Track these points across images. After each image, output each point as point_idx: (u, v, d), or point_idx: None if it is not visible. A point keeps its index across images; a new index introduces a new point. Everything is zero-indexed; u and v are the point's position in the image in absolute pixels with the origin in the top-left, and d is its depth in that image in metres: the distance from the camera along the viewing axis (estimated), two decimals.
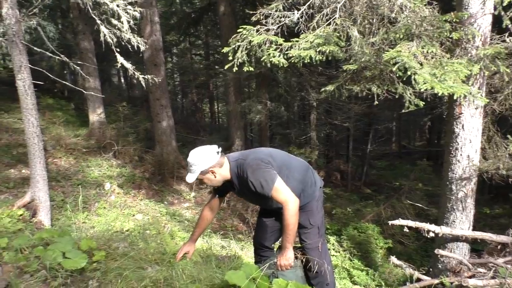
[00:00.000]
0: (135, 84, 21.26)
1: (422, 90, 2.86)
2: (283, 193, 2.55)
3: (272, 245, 3.29)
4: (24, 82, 5.02)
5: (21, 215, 4.91)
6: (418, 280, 4.23)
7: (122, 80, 23.95)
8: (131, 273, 2.52)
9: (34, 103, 5.25)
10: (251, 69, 4.02)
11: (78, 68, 5.16)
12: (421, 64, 2.95)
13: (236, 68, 4.02)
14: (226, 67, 4.14)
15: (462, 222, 4.27)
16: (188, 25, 13.13)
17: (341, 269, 5.55)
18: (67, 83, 5.96)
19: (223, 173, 2.71)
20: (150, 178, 9.06)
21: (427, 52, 3.05)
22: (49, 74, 5.18)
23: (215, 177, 2.69)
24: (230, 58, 4.11)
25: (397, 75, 3.67)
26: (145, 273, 2.54)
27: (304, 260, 2.99)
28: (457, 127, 4.06)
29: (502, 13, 3.49)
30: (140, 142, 10.57)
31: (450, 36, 3.28)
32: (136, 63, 10.12)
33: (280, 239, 2.83)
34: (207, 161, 2.61)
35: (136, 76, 4.64)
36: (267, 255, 3.20)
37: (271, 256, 3.11)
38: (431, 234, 4.12)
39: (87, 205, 6.90)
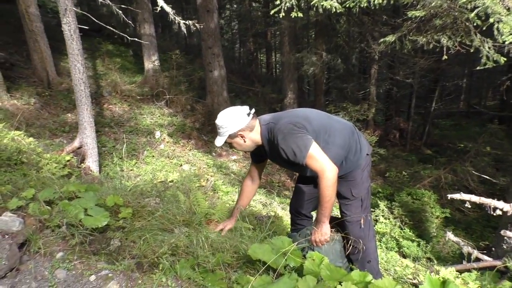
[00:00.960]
0: (193, 32, 21.00)
1: (506, 43, 2.30)
2: (319, 161, 2.22)
3: (310, 213, 3.00)
4: (69, 26, 4.92)
5: (68, 160, 4.99)
6: (477, 259, 3.79)
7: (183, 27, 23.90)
8: (152, 236, 2.35)
9: (80, 49, 5.16)
10: (300, 15, 3.56)
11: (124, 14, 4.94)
12: (508, 10, 2.36)
13: (283, 14, 3.58)
14: (272, 12, 3.71)
15: None
16: None
17: (389, 238, 5.18)
18: (114, 30, 5.78)
19: (254, 137, 2.44)
20: (200, 129, 9.00)
21: None
22: (94, 19, 5.01)
23: (244, 141, 2.44)
24: (278, 2, 3.67)
25: (475, 23, 3.07)
26: (166, 238, 2.36)
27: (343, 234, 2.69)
28: None
29: None
30: (192, 91, 10.48)
31: None
32: (196, 11, 9.78)
33: (316, 210, 2.54)
34: (236, 123, 2.35)
35: (177, 22, 4.34)
36: (304, 224, 2.92)
37: (308, 225, 2.83)
38: (498, 212, 3.61)
39: (136, 153, 6.97)
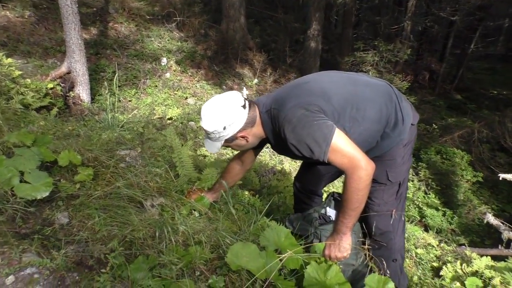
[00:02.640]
0: None
1: None
2: (347, 155, 1.57)
3: (322, 191, 2.36)
4: None
5: (51, 88, 4.36)
6: None
7: None
8: (110, 214, 1.77)
9: None
10: None
11: None
12: None
13: None
14: None
15: None
16: None
17: (411, 204, 4.56)
18: None
19: (258, 132, 1.85)
20: (211, 57, 8.19)
21: None
22: None
23: (247, 141, 1.86)
24: None
25: None
26: (131, 217, 1.77)
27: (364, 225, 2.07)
28: None
29: None
30: (207, 14, 9.48)
31: None
32: None
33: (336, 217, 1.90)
34: (233, 124, 1.75)
35: None
36: (313, 203, 2.31)
37: (317, 206, 2.22)
38: None
39: (137, 81, 6.30)
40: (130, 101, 5.59)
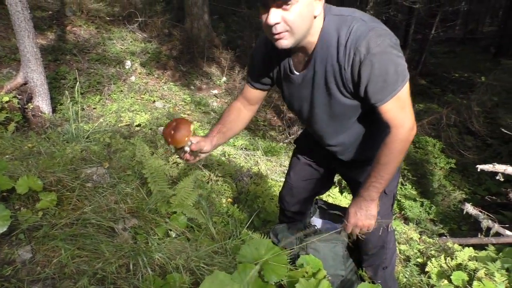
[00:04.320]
0: None
1: None
2: (406, 109, 1.38)
3: (310, 210, 2.21)
4: None
5: (7, 101, 4.09)
6: (497, 234, 3.21)
7: None
8: (71, 251, 1.62)
9: None
10: None
11: None
12: None
13: None
14: None
15: None
16: None
17: None
18: None
19: (317, 21, 1.36)
20: (177, 57, 7.98)
21: None
22: None
23: (310, 13, 1.31)
24: None
25: None
26: (100, 246, 1.63)
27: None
28: None
29: None
30: (170, 13, 9.23)
31: None
32: None
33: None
34: None
35: None
36: (301, 218, 2.18)
37: (304, 219, 2.12)
38: None
39: (101, 87, 6.03)
40: (94, 108, 5.34)
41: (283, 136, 6.39)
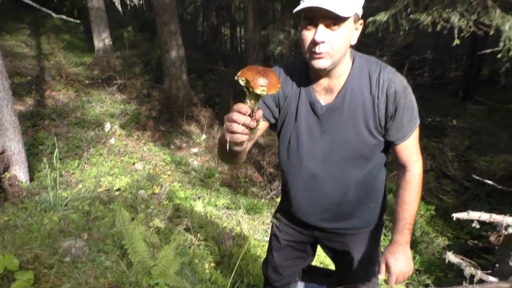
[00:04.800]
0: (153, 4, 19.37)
1: None
2: (417, 146, 1.53)
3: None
4: None
5: None
6: (481, 281, 3.21)
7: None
8: None
9: None
10: None
11: None
12: None
13: None
14: None
15: None
16: None
17: None
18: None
19: (349, 52, 1.42)
20: (157, 117, 8.08)
21: None
22: None
23: (352, 38, 1.36)
24: None
25: None
26: None
27: None
28: None
29: None
30: (148, 74, 9.46)
31: None
32: None
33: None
34: (360, 2, 1.34)
35: None
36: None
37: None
38: (510, 231, 3.02)
39: (81, 151, 6.01)
40: (73, 174, 5.30)
41: (264, 192, 6.42)
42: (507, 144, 8.46)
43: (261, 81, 1.04)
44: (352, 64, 1.45)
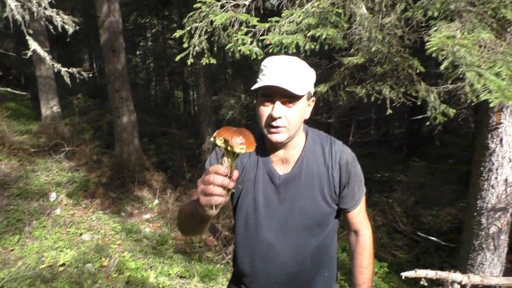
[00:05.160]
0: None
1: (479, 100, 1.78)
2: (366, 212, 1.65)
3: None
4: None
5: None
6: None
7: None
8: None
9: None
10: (213, 61, 2.87)
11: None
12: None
13: (192, 60, 2.84)
14: (177, 58, 2.96)
15: (493, 265, 3.27)
16: (155, 5, 11.74)
17: None
18: None
19: (303, 126, 1.55)
20: (107, 184, 7.81)
21: (477, 40, 1.96)
22: None
23: (305, 114, 1.49)
24: (185, 45, 2.93)
25: (418, 71, 2.58)
26: None
27: None
28: (492, 142, 3.02)
29: None
30: (99, 140, 9.26)
31: (504, 14, 2.20)
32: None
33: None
34: (312, 81, 1.50)
35: (55, 68, 3.42)
36: None
37: None
38: (456, 286, 3.09)
39: (22, 224, 5.64)
40: (12, 250, 4.91)
41: (220, 256, 6.23)
42: (450, 198, 8.87)
43: (239, 139, 1.06)
44: (306, 136, 1.56)
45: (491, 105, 1.68)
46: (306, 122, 1.56)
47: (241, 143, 1.06)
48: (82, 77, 3.34)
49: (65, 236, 5.58)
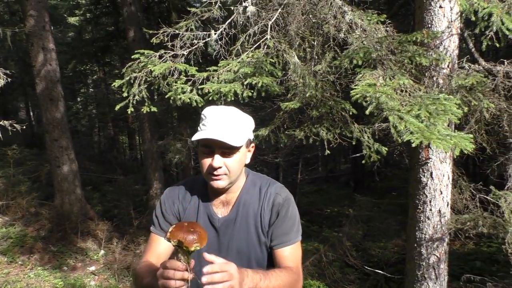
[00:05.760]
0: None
1: (403, 140, 1.93)
2: (298, 261, 1.59)
3: None
4: None
5: None
6: None
7: (31, 115, 21.10)
8: None
9: None
10: (154, 109, 2.89)
11: None
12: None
13: (132, 109, 2.85)
14: (117, 107, 2.95)
15: None
16: (95, 53, 11.64)
17: None
18: None
19: (243, 170, 1.61)
20: (46, 237, 7.35)
21: (397, 84, 2.16)
22: None
23: (242, 160, 1.54)
24: (125, 94, 2.93)
25: (350, 113, 2.75)
26: None
27: None
28: (424, 176, 3.23)
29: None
30: (37, 191, 8.77)
31: (419, 61, 2.43)
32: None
33: None
34: (251, 129, 1.58)
35: None
36: None
37: None
38: None
39: None
40: None
41: None
42: (395, 229, 9.20)
43: (192, 238, 1.15)
44: (246, 179, 1.62)
45: (413, 145, 1.85)
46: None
47: (195, 242, 1.16)
48: (15, 130, 3.19)
49: None
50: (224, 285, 1.15)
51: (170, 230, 1.19)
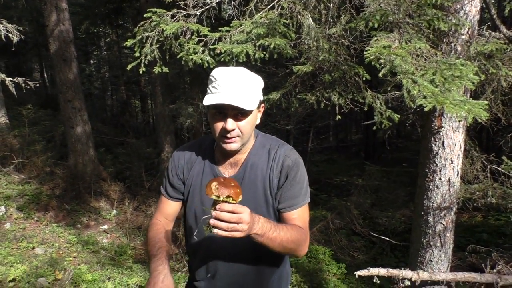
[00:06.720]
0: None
1: (416, 105, 1.91)
2: (306, 221, 1.62)
3: None
4: None
5: None
6: None
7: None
8: None
9: None
10: (166, 70, 2.88)
11: None
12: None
13: (144, 69, 2.85)
14: (129, 67, 2.95)
15: (440, 261, 3.45)
16: (107, 14, 11.51)
17: None
18: None
19: (254, 132, 1.63)
20: (61, 196, 7.55)
21: (413, 48, 2.10)
22: None
23: (254, 121, 1.54)
24: (137, 54, 2.93)
25: (364, 78, 2.71)
26: None
27: None
28: (435, 145, 3.20)
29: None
30: (51, 151, 8.94)
31: (438, 26, 2.36)
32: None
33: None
34: (261, 90, 1.58)
35: None
36: None
37: None
38: (407, 283, 3.24)
39: None
40: None
41: (181, 264, 6.17)
42: (404, 200, 9.22)
43: (238, 191, 1.27)
44: (255, 140, 1.63)
45: (425, 109, 1.82)
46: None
47: (240, 194, 1.28)
48: (28, 87, 3.22)
49: (16, 250, 5.35)
50: (227, 225, 1.20)
51: (213, 188, 1.23)
